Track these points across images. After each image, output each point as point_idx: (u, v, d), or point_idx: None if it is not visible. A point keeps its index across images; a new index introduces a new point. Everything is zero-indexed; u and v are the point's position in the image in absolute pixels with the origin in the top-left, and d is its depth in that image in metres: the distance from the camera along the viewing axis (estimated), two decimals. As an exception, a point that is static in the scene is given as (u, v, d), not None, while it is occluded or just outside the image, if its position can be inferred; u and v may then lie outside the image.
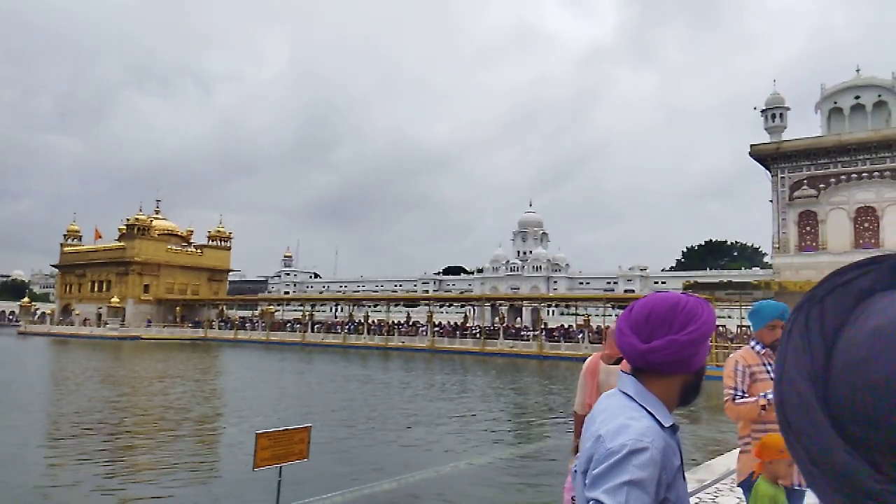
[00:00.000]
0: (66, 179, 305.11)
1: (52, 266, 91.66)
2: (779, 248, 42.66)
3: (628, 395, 1.49)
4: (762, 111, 45.45)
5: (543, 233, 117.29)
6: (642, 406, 1.45)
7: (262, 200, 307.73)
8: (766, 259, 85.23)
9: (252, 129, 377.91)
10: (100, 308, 74.89)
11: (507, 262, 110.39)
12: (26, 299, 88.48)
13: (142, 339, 63.71)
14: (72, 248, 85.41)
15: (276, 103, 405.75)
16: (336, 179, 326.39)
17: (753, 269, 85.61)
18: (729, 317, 45.90)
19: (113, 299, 72.18)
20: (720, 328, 39.15)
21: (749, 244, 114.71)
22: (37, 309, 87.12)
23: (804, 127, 60.59)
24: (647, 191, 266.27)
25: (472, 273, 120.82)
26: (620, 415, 1.43)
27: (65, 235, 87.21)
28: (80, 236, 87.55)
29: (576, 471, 1.51)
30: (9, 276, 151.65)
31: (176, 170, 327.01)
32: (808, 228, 42.06)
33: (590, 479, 1.35)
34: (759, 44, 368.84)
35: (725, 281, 45.59)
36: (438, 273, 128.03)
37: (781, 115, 44.97)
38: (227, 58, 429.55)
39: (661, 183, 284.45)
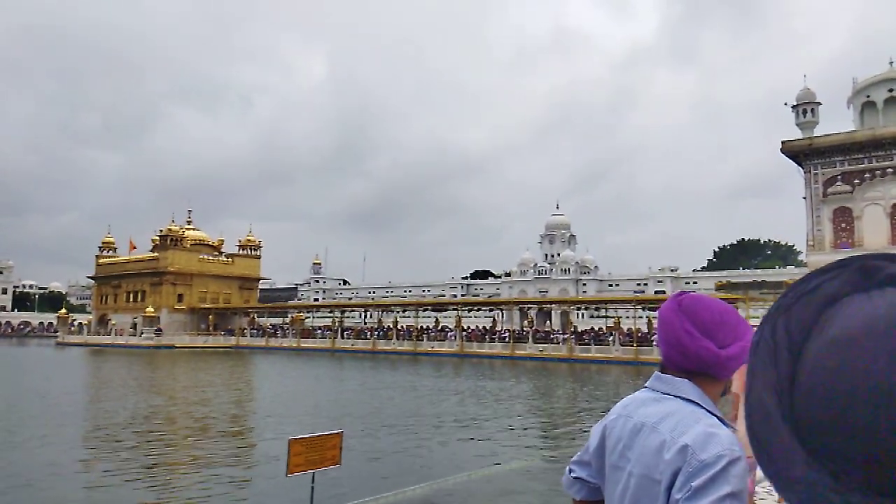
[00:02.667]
0: (109, 193, 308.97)
1: (89, 277, 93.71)
2: (813, 245, 41.81)
3: (690, 401, 1.43)
4: (793, 107, 44.62)
5: (571, 235, 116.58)
6: (711, 412, 1.41)
7: (294, 209, 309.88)
8: (800, 257, 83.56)
9: (290, 139, 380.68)
10: (135, 318, 76.38)
11: (535, 265, 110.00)
12: (63, 311, 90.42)
13: (176, 347, 64.81)
14: (107, 259, 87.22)
15: (314, 113, 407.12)
16: (369, 187, 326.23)
17: (788, 267, 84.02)
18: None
19: (147, 309, 73.61)
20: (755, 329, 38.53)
21: (783, 242, 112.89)
22: (74, 320, 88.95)
23: (840, 123, 59.37)
24: (678, 190, 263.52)
25: (500, 277, 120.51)
26: (695, 422, 1.37)
27: (100, 247, 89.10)
28: (115, 248, 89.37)
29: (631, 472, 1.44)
30: (46, 289, 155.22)
31: (214, 181, 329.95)
32: (843, 225, 41.16)
33: (686, 492, 1.28)
34: (800, 41, 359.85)
35: (759, 280, 44.85)
36: (466, 277, 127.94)
37: (813, 110, 44.08)
38: (266, 69, 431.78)
39: (693, 182, 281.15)
